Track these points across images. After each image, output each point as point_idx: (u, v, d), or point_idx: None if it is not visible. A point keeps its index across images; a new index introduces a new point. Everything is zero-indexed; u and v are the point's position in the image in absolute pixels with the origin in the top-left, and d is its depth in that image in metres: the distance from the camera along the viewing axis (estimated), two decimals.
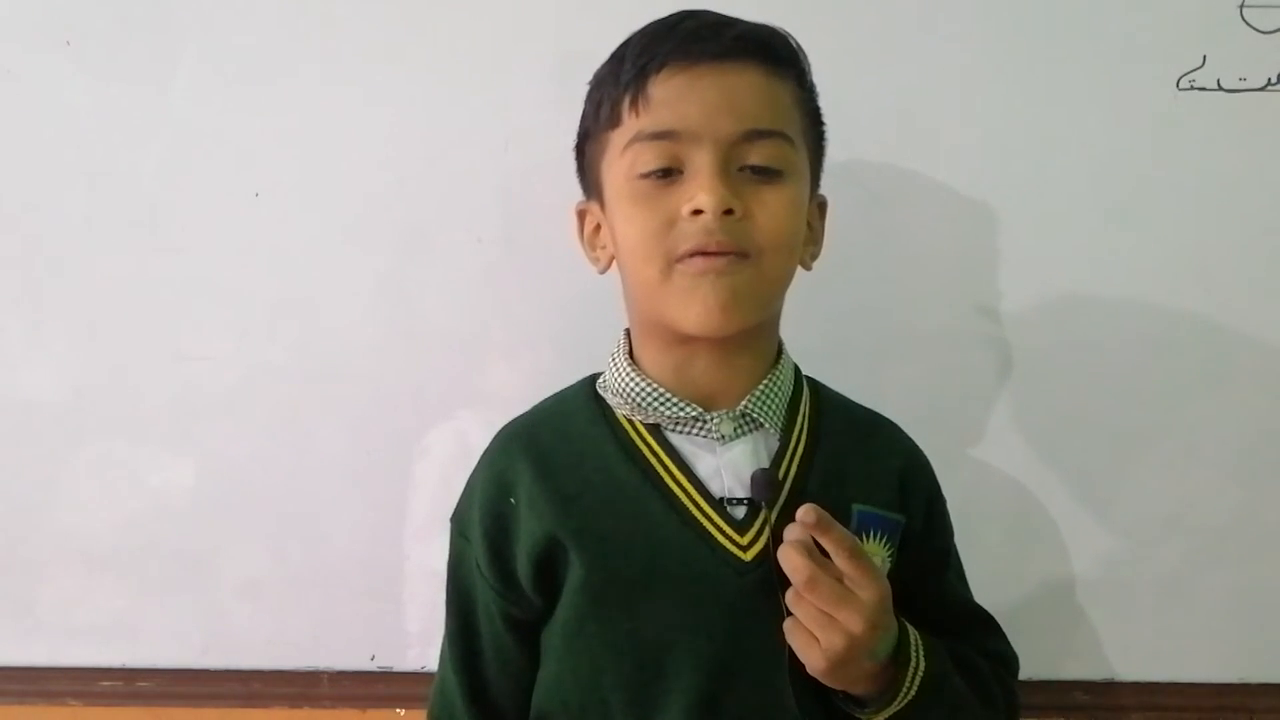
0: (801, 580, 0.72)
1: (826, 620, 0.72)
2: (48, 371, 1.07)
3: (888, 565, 0.81)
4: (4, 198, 1.06)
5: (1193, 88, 1.02)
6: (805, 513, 0.73)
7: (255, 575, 1.09)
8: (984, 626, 0.89)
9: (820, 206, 0.85)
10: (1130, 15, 1.01)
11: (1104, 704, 1.09)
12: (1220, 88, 1.01)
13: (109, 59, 1.04)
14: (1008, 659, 0.88)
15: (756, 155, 0.75)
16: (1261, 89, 1.01)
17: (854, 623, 0.71)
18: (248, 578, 1.09)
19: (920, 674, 0.75)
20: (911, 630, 0.77)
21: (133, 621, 1.10)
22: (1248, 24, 1.01)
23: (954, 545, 0.90)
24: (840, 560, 0.73)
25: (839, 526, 0.74)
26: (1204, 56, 1.01)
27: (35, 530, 1.09)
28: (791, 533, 0.74)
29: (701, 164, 0.74)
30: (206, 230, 1.05)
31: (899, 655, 0.75)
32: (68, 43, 1.04)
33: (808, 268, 0.83)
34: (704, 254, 0.74)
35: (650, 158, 0.75)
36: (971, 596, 0.90)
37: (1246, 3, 1.01)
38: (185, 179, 1.05)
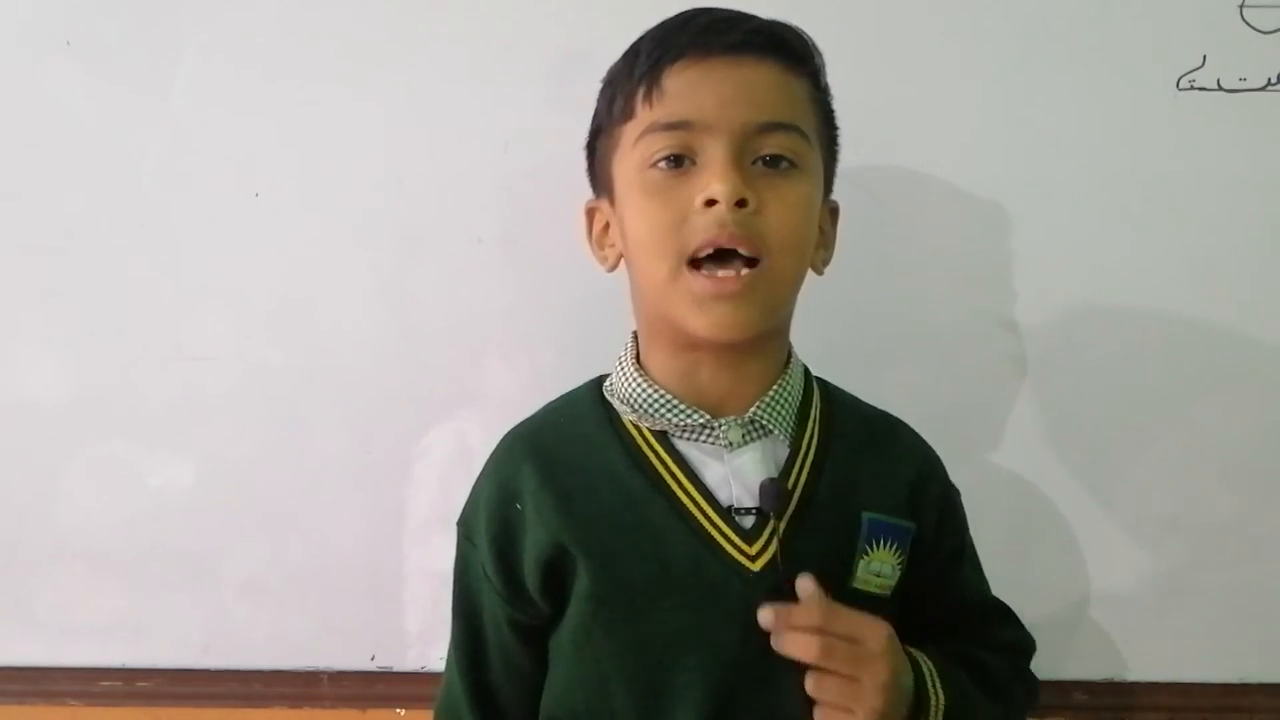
0: (814, 654, 0.71)
1: (853, 687, 0.71)
2: (48, 371, 1.07)
3: (898, 572, 0.81)
4: (4, 198, 1.06)
5: (1193, 88, 1.02)
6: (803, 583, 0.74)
7: (255, 575, 1.09)
8: (1001, 618, 0.89)
9: (832, 211, 0.84)
10: (1130, 15, 1.01)
11: (1104, 704, 1.09)
12: (1220, 88, 1.01)
13: (109, 59, 1.04)
14: (1023, 646, 0.88)
15: (771, 146, 0.75)
16: (1261, 89, 1.01)
17: (878, 673, 0.71)
18: (248, 578, 1.09)
19: (942, 706, 0.76)
20: (923, 662, 0.77)
21: (133, 621, 1.10)
22: (1248, 24, 1.01)
23: (969, 538, 0.89)
24: (831, 622, 0.72)
25: (811, 596, 0.73)
26: (1204, 56, 1.01)
27: (35, 530, 1.09)
28: (774, 620, 0.73)
29: (715, 154, 0.73)
30: (206, 230, 1.05)
31: (918, 694, 0.75)
32: (68, 43, 1.04)
33: (819, 272, 0.82)
34: (717, 250, 0.73)
35: (663, 146, 0.75)
36: (988, 588, 0.90)
37: (1246, 3, 1.01)
38: (185, 179, 1.05)
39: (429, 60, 1.03)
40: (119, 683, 1.11)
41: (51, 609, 1.11)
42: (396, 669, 1.09)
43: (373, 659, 1.10)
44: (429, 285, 1.06)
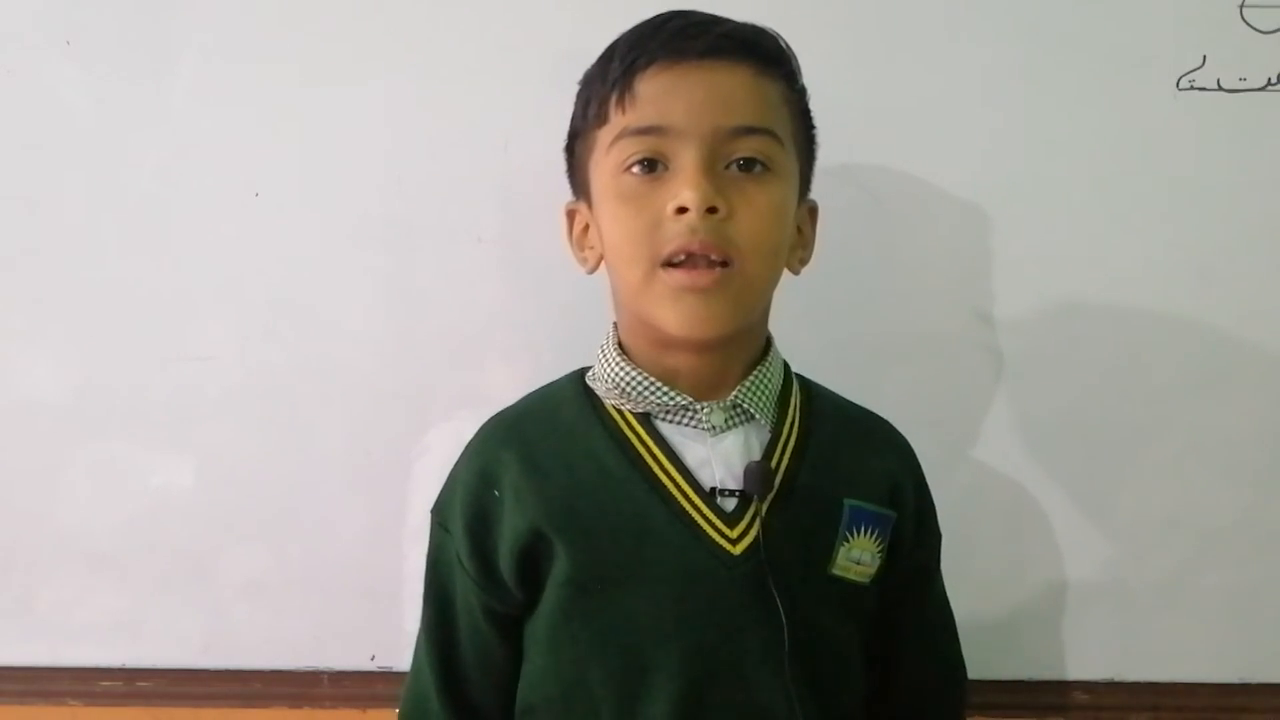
0: None
1: None
2: (48, 371, 1.07)
3: (878, 560, 0.81)
4: (4, 198, 1.06)
5: (1193, 88, 1.02)
6: None
7: (255, 575, 1.09)
8: (953, 632, 0.91)
9: (811, 211, 0.84)
10: (1130, 15, 1.01)
11: (1104, 704, 1.09)
12: (1220, 88, 1.01)
13: (109, 59, 1.04)
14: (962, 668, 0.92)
15: (743, 150, 0.75)
16: (1261, 89, 1.01)
17: None
18: (248, 578, 1.09)
19: None
20: None
21: (133, 621, 1.10)
22: (1248, 24, 1.01)
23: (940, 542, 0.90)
24: None
25: None
26: (1204, 56, 1.01)
27: (35, 530, 1.09)
28: None
29: (686, 161, 0.74)
30: (206, 230, 1.05)
31: None
32: (68, 43, 1.04)
33: (795, 272, 0.83)
34: (688, 255, 0.73)
35: (636, 150, 0.75)
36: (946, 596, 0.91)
37: (1246, 3, 1.01)
38: (185, 179, 1.05)
39: (429, 60, 1.03)
40: (119, 683, 1.11)
41: (51, 609, 1.11)
42: (396, 669, 1.09)
43: (373, 659, 1.10)
44: (429, 285, 1.06)
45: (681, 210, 0.73)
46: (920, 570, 0.87)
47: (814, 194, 0.85)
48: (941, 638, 0.91)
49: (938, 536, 0.89)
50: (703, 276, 0.74)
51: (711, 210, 0.73)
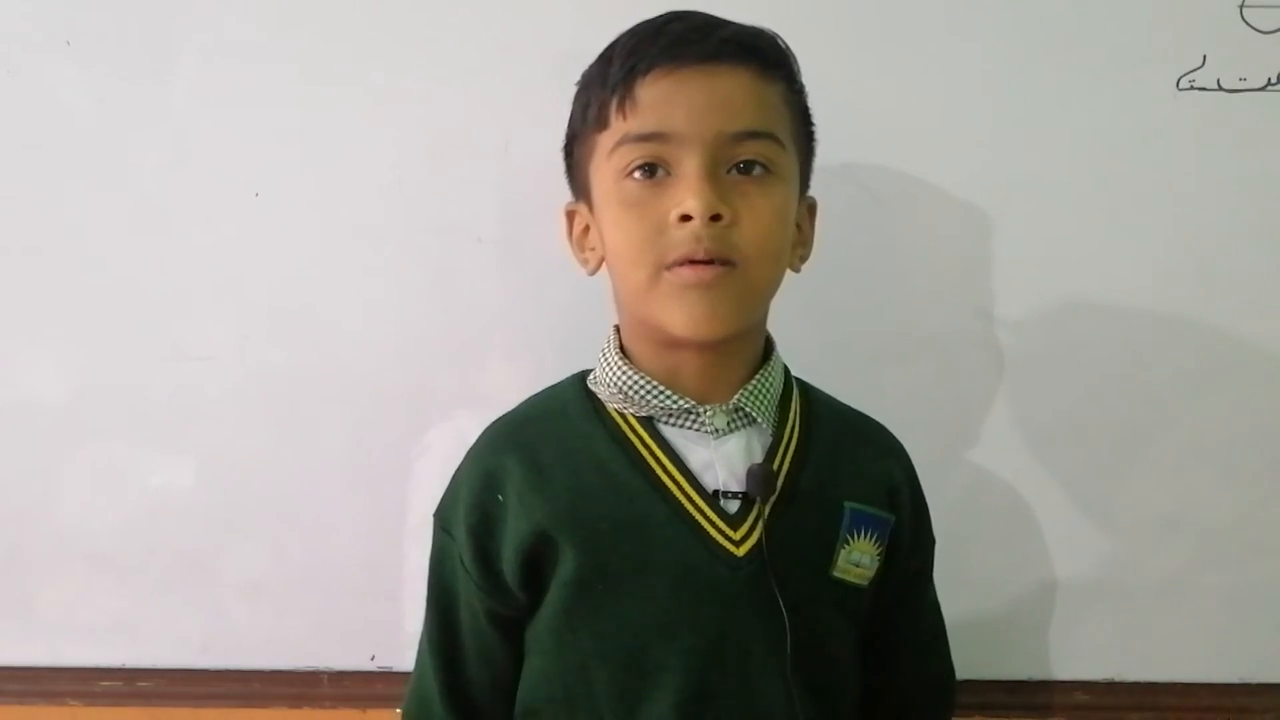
0: None
1: None
2: (48, 371, 1.08)
3: (877, 563, 0.82)
4: (4, 198, 1.06)
5: (1193, 88, 1.02)
6: None
7: (255, 575, 1.09)
8: (943, 637, 0.91)
9: (810, 209, 0.84)
10: (1130, 15, 1.01)
11: (1104, 704, 1.09)
12: (1220, 88, 1.01)
13: (109, 59, 1.04)
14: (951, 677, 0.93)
15: (745, 153, 0.75)
16: (1261, 89, 1.01)
17: None
18: (248, 578, 1.09)
19: None
20: None
21: (133, 621, 1.10)
22: (1248, 24, 1.01)
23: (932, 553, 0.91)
24: None
25: None
26: (1204, 56, 1.01)
27: (35, 530, 1.09)
28: None
29: (689, 167, 0.74)
30: (206, 230, 1.05)
31: None
32: (68, 43, 1.04)
33: (796, 270, 0.83)
34: (692, 263, 0.74)
35: (637, 156, 0.75)
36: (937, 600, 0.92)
37: (1246, 3, 1.01)
38: (185, 179, 1.05)
39: (429, 60, 1.03)
40: (119, 683, 1.11)
41: (51, 609, 1.11)
42: (396, 669, 1.09)
43: (373, 659, 1.10)
44: (429, 285, 1.06)
45: (685, 218, 0.73)
46: (915, 575, 0.88)
47: (813, 192, 0.85)
48: (933, 642, 0.91)
49: (932, 541, 0.89)
50: (707, 271, 0.74)
51: (715, 218, 0.73)
